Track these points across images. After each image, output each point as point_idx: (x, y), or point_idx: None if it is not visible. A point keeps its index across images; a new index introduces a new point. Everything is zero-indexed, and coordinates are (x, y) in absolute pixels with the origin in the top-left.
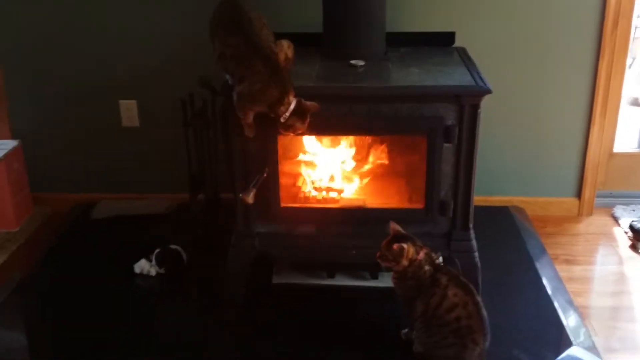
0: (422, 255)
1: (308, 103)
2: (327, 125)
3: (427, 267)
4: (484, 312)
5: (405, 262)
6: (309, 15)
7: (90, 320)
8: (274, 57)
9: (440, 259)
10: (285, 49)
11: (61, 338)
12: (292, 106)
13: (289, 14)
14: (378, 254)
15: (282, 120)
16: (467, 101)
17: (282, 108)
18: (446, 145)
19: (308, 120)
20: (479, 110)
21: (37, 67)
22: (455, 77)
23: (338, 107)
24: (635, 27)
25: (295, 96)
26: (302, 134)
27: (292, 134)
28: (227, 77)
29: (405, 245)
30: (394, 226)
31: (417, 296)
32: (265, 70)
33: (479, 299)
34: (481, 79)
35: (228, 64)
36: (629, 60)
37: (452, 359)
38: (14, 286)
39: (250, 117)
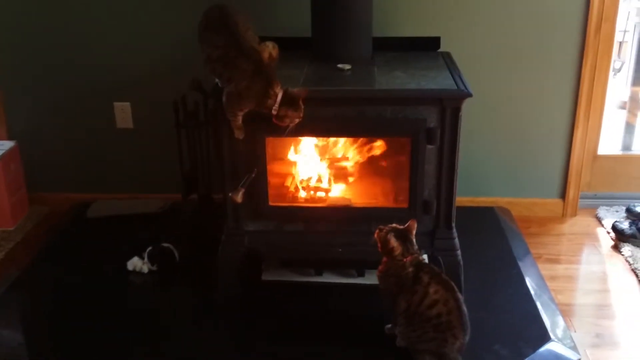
0: (409, 259)
1: (295, 90)
2: (314, 126)
3: (410, 269)
4: (464, 308)
5: (387, 256)
6: (298, 20)
7: (84, 317)
8: (257, 55)
9: (425, 257)
10: (270, 49)
11: (56, 335)
12: (279, 97)
13: (279, 19)
14: (377, 230)
15: (273, 112)
16: (449, 104)
17: (270, 101)
18: (429, 146)
19: (302, 107)
20: (460, 113)
21: (33, 69)
22: (438, 81)
23: (325, 109)
24: (625, 31)
25: (282, 87)
26: (298, 118)
27: (289, 124)
28: (217, 80)
29: (395, 245)
30: (412, 224)
31: (400, 292)
32: (248, 67)
33: (460, 295)
34: (463, 83)
35: (216, 65)
36: (617, 64)
37: (433, 353)
38: (10, 284)
39: (239, 119)
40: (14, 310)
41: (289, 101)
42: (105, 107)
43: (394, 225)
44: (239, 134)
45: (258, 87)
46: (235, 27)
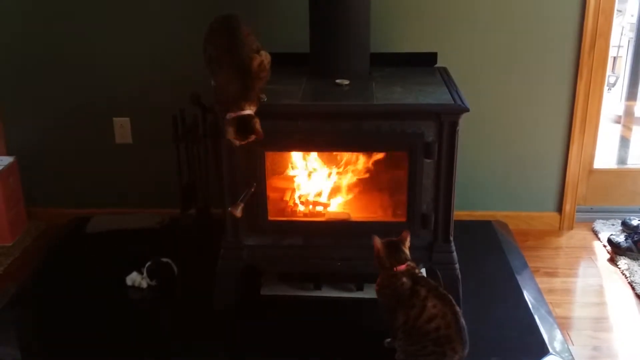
0: (402, 267)
1: (258, 127)
2: (313, 141)
3: (405, 279)
4: (463, 322)
5: (380, 265)
6: (297, 35)
7: (83, 332)
8: (247, 60)
9: (423, 271)
10: (264, 56)
11: (55, 351)
12: (243, 113)
13: (277, 35)
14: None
15: (227, 117)
16: (446, 119)
17: (232, 109)
18: (427, 160)
19: (248, 140)
20: (458, 128)
21: (33, 85)
22: (436, 96)
23: (323, 124)
24: (619, 47)
25: (256, 114)
26: (231, 142)
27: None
28: (212, 82)
29: (379, 247)
30: (405, 235)
31: (397, 306)
32: (233, 63)
33: (458, 309)
34: (460, 97)
35: (213, 65)
36: (612, 79)
37: None
38: (9, 300)
39: (231, 127)
40: (12, 327)
41: (243, 126)
42: (105, 122)
43: (387, 240)
44: (233, 141)
45: (233, 89)
46: (238, 28)
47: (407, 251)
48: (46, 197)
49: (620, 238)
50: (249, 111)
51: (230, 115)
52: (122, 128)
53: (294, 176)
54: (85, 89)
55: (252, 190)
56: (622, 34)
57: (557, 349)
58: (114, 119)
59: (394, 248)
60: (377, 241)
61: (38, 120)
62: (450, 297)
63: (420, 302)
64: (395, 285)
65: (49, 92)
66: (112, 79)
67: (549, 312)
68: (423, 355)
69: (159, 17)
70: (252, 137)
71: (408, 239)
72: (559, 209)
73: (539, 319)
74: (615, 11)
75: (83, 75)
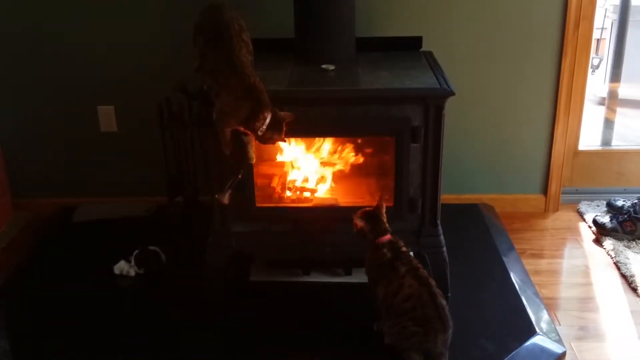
0: (384, 239)
1: (283, 113)
2: (299, 127)
3: (386, 251)
4: (441, 301)
5: (363, 239)
6: (281, 20)
7: (71, 322)
8: (248, 80)
9: (411, 254)
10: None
11: (43, 341)
12: (268, 120)
13: (262, 20)
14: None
15: (259, 134)
16: (432, 103)
17: (258, 123)
18: (413, 145)
19: (284, 129)
20: (444, 112)
21: (17, 74)
22: (421, 80)
23: (309, 110)
24: (602, 29)
25: (271, 108)
26: (281, 140)
27: (270, 144)
28: (206, 87)
29: (361, 224)
30: (381, 204)
31: (379, 279)
32: (237, 89)
33: (436, 290)
34: (445, 81)
35: (206, 77)
36: (596, 61)
37: (416, 348)
38: None
39: (227, 134)
40: (0, 318)
41: (275, 125)
42: (89, 111)
43: (363, 209)
44: (227, 150)
45: (246, 110)
46: (230, 42)
47: (385, 220)
48: (32, 187)
49: (606, 219)
50: (269, 115)
51: (262, 129)
52: (107, 116)
53: (281, 162)
54: (69, 77)
55: (239, 177)
56: (605, 16)
57: (544, 330)
58: (98, 107)
59: (374, 219)
60: (358, 220)
61: (22, 109)
62: (429, 279)
63: (398, 279)
64: (377, 255)
65: (33, 81)
66: (95, 66)
67: (536, 293)
68: (406, 337)
69: (143, 3)
70: (284, 127)
71: (384, 206)
72: (545, 191)
73: (526, 300)
74: None
75: (67, 63)
